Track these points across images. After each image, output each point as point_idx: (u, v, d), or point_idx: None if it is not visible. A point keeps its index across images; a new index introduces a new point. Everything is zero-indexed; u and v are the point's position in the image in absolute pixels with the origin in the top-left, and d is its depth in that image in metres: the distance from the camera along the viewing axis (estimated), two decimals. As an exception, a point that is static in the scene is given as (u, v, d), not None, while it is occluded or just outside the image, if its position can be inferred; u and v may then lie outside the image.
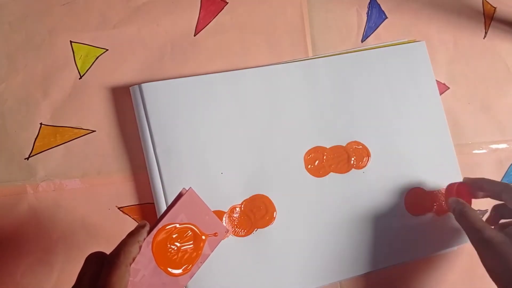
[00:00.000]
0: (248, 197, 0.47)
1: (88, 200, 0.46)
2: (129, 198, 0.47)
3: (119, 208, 0.46)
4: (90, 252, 0.41)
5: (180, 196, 0.37)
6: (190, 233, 0.36)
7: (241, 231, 0.46)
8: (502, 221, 0.44)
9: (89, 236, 0.45)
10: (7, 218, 0.45)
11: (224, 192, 0.46)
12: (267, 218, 0.47)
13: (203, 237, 0.37)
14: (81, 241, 0.45)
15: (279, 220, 0.47)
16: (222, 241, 0.45)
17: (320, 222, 0.48)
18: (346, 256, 0.48)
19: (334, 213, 0.48)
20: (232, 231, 0.46)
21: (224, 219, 0.46)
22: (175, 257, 0.36)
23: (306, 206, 0.48)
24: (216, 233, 0.38)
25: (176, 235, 0.36)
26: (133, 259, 0.32)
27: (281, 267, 0.46)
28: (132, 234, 0.33)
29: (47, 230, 0.45)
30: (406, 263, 0.49)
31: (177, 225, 0.36)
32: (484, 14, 0.56)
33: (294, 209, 0.47)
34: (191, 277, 0.36)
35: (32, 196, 0.45)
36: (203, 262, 0.37)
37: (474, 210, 0.43)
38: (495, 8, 0.57)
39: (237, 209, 0.46)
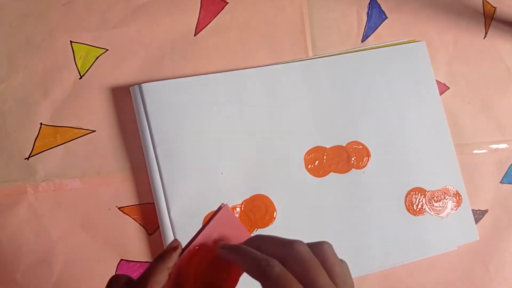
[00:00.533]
0: (248, 197, 0.47)
1: (88, 200, 0.46)
2: (129, 198, 0.47)
3: (119, 208, 0.46)
4: (91, 252, 0.41)
5: (216, 212, 0.32)
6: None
7: (241, 231, 0.46)
8: None
9: (89, 236, 0.45)
10: (7, 218, 0.45)
11: (224, 192, 0.46)
12: (267, 218, 0.47)
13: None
14: (81, 241, 0.45)
15: (279, 220, 0.47)
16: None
17: (320, 222, 0.48)
18: (346, 257, 0.47)
19: (334, 213, 0.48)
20: (232, 231, 0.46)
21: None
22: (206, 280, 0.31)
23: (306, 206, 0.48)
24: None
25: (209, 257, 0.31)
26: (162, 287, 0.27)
27: (281, 267, 0.46)
28: (161, 259, 0.28)
29: (47, 230, 0.45)
30: (406, 263, 0.49)
31: (210, 246, 0.31)
32: (484, 14, 0.56)
33: (294, 209, 0.47)
34: None
35: (32, 196, 0.45)
36: (236, 284, 0.32)
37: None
38: (495, 8, 0.57)
39: (237, 209, 0.46)
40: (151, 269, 0.27)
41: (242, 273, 0.31)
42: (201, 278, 0.30)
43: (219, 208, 0.32)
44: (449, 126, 0.52)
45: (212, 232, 0.31)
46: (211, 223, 0.31)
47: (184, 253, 0.29)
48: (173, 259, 0.28)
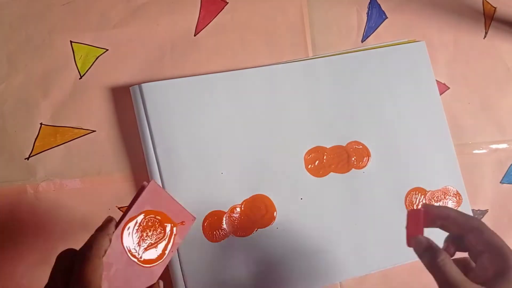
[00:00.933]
0: (248, 197, 0.47)
1: (88, 200, 0.46)
2: (129, 198, 0.46)
3: (119, 208, 0.46)
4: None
5: (142, 189, 0.37)
6: (158, 223, 0.37)
7: (241, 231, 0.46)
8: (457, 255, 0.35)
9: (89, 236, 0.45)
10: (7, 218, 0.45)
11: (224, 192, 0.46)
12: (267, 218, 0.47)
13: (172, 226, 0.38)
14: (81, 241, 0.45)
15: (279, 220, 0.47)
16: (223, 240, 0.45)
17: (320, 222, 0.48)
18: (346, 257, 0.48)
19: (334, 213, 0.48)
20: (232, 231, 0.46)
21: (224, 219, 0.46)
22: (146, 247, 0.36)
23: (306, 206, 0.48)
24: (183, 221, 0.38)
25: (145, 225, 0.36)
26: (105, 252, 0.32)
27: (281, 267, 0.46)
28: (100, 229, 0.33)
29: (47, 230, 0.45)
30: (406, 263, 0.49)
31: (144, 216, 0.36)
32: (484, 14, 0.56)
33: (294, 209, 0.47)
34: (164, 266, 0.37)
35: (32, 196, 0.45)
36: (174, 251, 0.38)
37: (450, 259, 0.32)
38: (495, 8, 0.57)
39: (237, 209, 0.46)
40: (93, 237, 0.32)
41: (178, 241, 0.38)
42: (142, 240, 0.36)
43: (145, 185, 0.37)
44: (449, 126, 0.52)
45: (144, 206, 0.36)
46: (141, 198, 0.36)
47: (121, 223, 0.34)
48: (110, 228, 0.33)
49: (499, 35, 0.56)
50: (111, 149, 0.47)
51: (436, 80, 0.53)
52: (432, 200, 0.50)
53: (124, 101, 0.48)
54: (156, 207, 0.37)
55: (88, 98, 0.48)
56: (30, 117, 0.46)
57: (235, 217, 0.46)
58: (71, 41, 0.48)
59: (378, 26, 0.54)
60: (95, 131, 0.47)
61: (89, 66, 0.48)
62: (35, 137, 0.46)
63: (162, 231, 0.37)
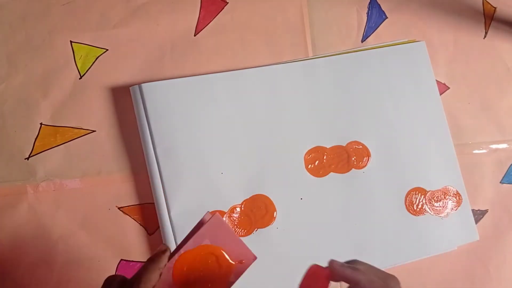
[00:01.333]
0: (248, 197, 0.47)
1: (88, 200, 0.46)
2: (129, 198, 0.47)
3: (119, 208, 0.46)
4: (91, 252, 0.41)
5: (203, 221, 0.34)
6: (215, 260, 0.34)
7: (241, 231, 0.46)
8: None
9: (89, 236, 0.45)
10: (7, 218, 0.45)
11: (224, 192, 0.46)
12: (267, 218, 0.47)
13: (229, 264, 0.34)
14: (81, 241, 0.45)
15: (279, 220, 0.47)
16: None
17: (320, 222, 0.48)
18: (346, 257, 0.48)
19: (334, 213, 0.48)
20: (232, 231, 0.46)
21: (224, 219, 0.46)
22: (197, 283, 0.33)
23: (306, 206, 0.48)
24: (242, 260, 0.35)
25: (200, 261, 0.33)
26: (154, 286, 0.30)
27: (281, 267, 0.46)
28: (152, 260, 0.31)
29: (47, 230, 0.45)
30: (406, 263, 0.49)
31: (201, 251, 0.33)
32: (484, 14, 0.56)
33: (294, 209, 0.47)
34: None
35: (32, 196, 0.45)
36: (229, 279, 0.34)
37: None
38: (495, 8, 0.57)
39: (237, 209, 0.46)
40: (144, 269, 0.30)
41: (234, 280, 0.34)
42: (194, 276, 0.32)
43: (206, 218, 0.34)
44: (449, 126, 0.52)
45: (203, 239, 0.33)
46: (201, 230, 0.33)
47: (175, 256, 0.32)
48: (163, 261, 0.31)
49: (499, 35, 0.56)
50: (111, 149, 0.47)
51: (436, 80, 0.53)
52: (432, 200, 0.50)
53: (124, 101, 0.48)
54: (216, 242, 0.33)
55: (88, 98, 0.48)
56: (30, 117, 0.46)
57: (235, 217, 0.46)
58: (71, 41, 0.48)
59: (378, 26, 0.54)
60: (95, 131, 0.47)
61: (89, 66, 0.48)
62: (35, 137, 0.46)
63: (217, 269, 0.33)
